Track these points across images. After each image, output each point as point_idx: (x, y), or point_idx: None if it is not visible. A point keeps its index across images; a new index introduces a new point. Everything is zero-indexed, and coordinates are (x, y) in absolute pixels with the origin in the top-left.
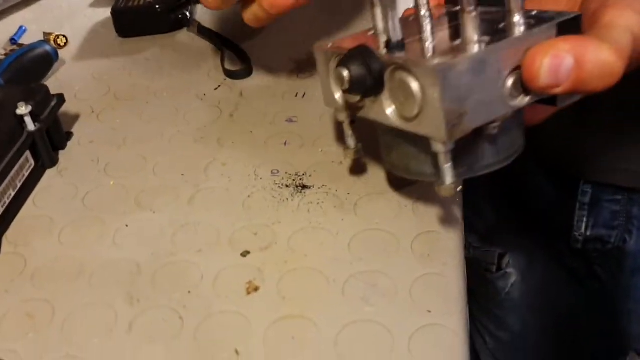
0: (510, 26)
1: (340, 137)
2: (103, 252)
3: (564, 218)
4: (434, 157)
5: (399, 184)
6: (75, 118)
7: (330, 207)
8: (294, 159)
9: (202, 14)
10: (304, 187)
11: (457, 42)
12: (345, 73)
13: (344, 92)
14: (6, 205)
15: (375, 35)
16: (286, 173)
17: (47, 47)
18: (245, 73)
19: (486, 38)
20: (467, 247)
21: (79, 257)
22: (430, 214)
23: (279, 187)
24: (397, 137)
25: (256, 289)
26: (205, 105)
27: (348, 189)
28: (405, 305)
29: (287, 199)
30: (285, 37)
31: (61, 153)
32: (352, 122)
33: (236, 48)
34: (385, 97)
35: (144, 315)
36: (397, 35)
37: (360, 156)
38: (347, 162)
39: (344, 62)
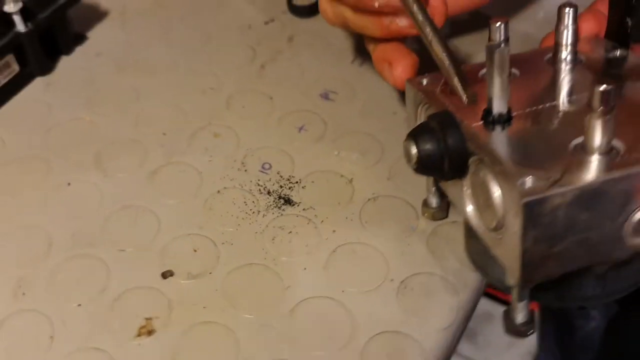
0: None
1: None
2: (26, 213)
3: None
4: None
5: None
6: (100, 16)
7: (301, 245)
8: (299, 156)
9: None
10: (288, 201)
11: (578, 141)
12: (413, 150)
13: (415, 170)
14: None
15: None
16: (278, 173)
17: None
18: (311, 11)
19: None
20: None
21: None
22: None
23: (259, 191)
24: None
25: (149, 333)
26: (241, 42)
27: (338, 224)
28: None
29: (258, 212)
30: None
31: (63, 59)
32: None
33: None
34: (466, 185)
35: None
36: (500, 106)
37: (441, 218)
38: (422, 223)
39: (413, 134)
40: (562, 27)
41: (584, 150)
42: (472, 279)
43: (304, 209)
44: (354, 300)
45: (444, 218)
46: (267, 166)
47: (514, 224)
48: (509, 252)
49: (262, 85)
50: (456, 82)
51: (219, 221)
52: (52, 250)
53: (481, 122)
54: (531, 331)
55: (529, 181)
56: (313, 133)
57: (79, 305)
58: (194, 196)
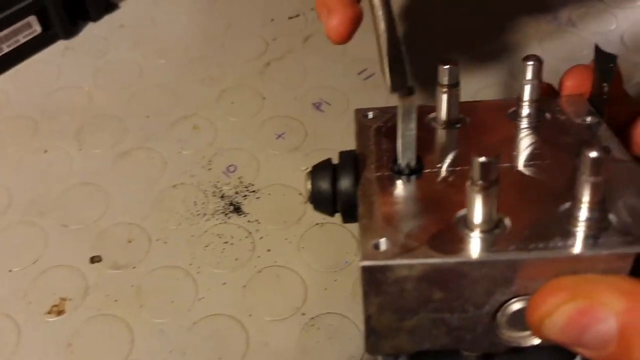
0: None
1: None
2: None
3: None
4: None
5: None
6: None
7: (231, 258)
8: (267, 164)
9: None
10: (237, 209)
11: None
12: (308, 185)
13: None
14: None
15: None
16: (239, 179)
17: None
18: None
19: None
20: None
21: None
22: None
23: (213, 193)
24: None
25: (59, 313)
26: (258, 35)
27: (274, 244)
28: None
29: (204, 215)
30: None
31: (89, 26)
32: None
33: None
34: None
35: None
36: (406, 157)
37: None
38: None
39: (312, 169)
40: (523, 82)
41: (465, 223)
42: None
43: (248, 221)
44: (258, 327)
45: None
46: (232, 169)
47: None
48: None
49: (260, 83)
50: (385, 63)
51: (162, 216)
52: (8, 211)
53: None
54: None
55: (382, 243)
56: (290, 143)
57: (10, 271)
58: (150, 186)
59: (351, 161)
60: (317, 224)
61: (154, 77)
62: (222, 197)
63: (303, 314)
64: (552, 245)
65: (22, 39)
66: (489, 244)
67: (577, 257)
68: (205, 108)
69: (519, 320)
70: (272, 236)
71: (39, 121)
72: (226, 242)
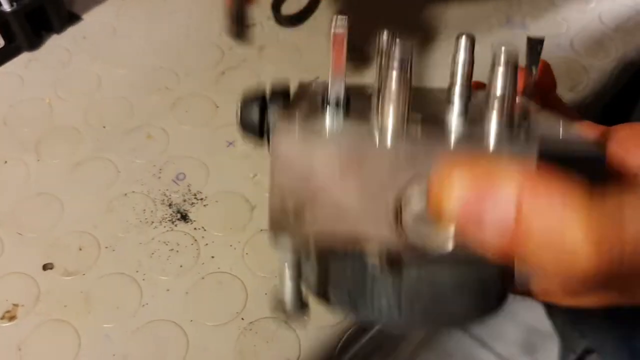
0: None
1: None
2: None
3: None
4: None
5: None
6: (100, 0)
7: (175, 265)
8: (215, 172)
9: None
10: (184, 217)
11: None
12: (238, 110)
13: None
14: None
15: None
16: (188, 186)
17: None
18: (292, 21)
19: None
20: (557, 314)
21: None
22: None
23: (162, 201)
24: None
25: (11, 319)
26: (214, 44)
27: (219, 251)
28: None
29: (152, 223)
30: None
31: (53, 38)
32: None
33: None
34: None
35: None
36: (339, 89)
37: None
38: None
39: (242, 99)
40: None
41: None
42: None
43: (195, 228)
44: (198, 332)
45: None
46: (181, 177)
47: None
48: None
49: (215, 92)
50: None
51: (112, 224)
52: None
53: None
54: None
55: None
56: (240, 151)
57: None
58: (102, 195)
59: (281, 91)
60: (262, 230)
61: (112, 87)
62: (170, 205)
63: (242, 319)
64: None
65: None
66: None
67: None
68: (160, 117)
69: (422, 217)
70: (217, 243)
71: (1, 133)
72: (172, 250)
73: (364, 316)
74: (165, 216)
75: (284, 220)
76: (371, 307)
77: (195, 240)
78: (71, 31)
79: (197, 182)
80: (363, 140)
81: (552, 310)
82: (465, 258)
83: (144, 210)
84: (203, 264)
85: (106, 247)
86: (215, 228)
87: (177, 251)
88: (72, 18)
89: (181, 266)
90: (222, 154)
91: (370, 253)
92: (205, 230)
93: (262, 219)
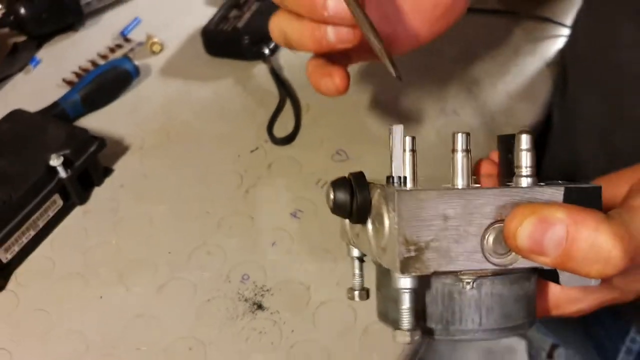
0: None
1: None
2: (66, 319)
3: (611, 353)
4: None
5: None
6: (124, 150)
7: (267, 343)
8: (270, 267)
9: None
10: (260, 307)
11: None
12: (331, 195)
13: (331, 210)
14: (23, 244)
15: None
16: (254, 283)
17: (128, 66)
18: (287, 141)
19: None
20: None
21: (46, 318)
22: None
23: (239, 298)
24: (383, 278)
25: None
26: (232, 170)
27: (295, 325)
28: None
29: (238, 317)
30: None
31: (96, 190)
32: (361, 261)
33: (295, 104)
34: (369, 225)
35: None
36: (399, 171)
37: (362, 298)
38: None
39: (333, 184)
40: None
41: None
42: None
43: (271, 313)
44: None
45: (366, 299)
46: (246, 277)
47: (393, 216)
48: (391, 247)
49: (246, 207)
50: (387, 61)
51: (207, 325)
52: (88, 351)
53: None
54: (417, 337)
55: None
56: (283, 247)
57: None
58: (189, 305)
59: (363, 177)
60: (321, 303)
61: (161, 220)
62: (245, 300)
63: None
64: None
65: (51, 213)
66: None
67: (525, 192)
68: (211, 236)
69: (501, 244)
70: (292, 319)
71: (85, 275)
72: (260, 332)
73: (453, 331)
74: (246, 309)
75: (410, 262)
76: (459, 322)
77: (275, 321)
78: (108, 182)
79: (259, 278)
80: (466, 193)
81: None
82: (517, 277)
83: (227, 308)
84: (287, 337)
85: (210, 344)
86: (286, 310)
87: (265, 333)
88: (107, 171)
89: (272, 343)
90: (270, 253)
91: (463, 279)
92: (279, 312)
93: (320, 293)
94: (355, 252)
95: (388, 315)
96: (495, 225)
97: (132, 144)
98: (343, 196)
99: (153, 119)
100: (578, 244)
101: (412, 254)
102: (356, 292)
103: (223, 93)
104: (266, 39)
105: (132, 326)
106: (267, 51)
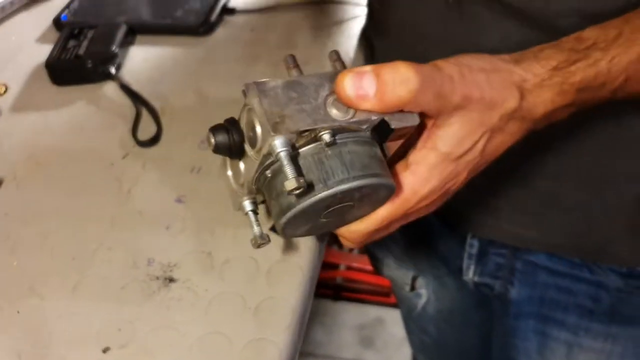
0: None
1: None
2: None
3: (458, 262)
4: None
5: None
6: None
7: (187, 305)
8: (170, 246)
9: (133, 67)
10: (172, 280)
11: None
12: (212, 140)
13: (213, 151)
14: None
15: None
16: (159, 263)
17: None
18: (152, 142)
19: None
20: (385, 266)
21: None
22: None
23: (150, 278)
24: (268, 190)
25: None
26: (109, 176)
27: (207, 285)
28: None
29: (154, 292)
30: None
31: None
32: (255, 213)
33: (152, 111)
34: (248, 152)
35: None
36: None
37: (265, 241)
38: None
39: (211, 130)
40: None
41: None
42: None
43: (183, 282)
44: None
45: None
46: (151, 260)
47: (255, 104)
48: (262, 127)
49: (133, 204)
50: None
51: (128, 307)
52: (22, 358)
53: None
54: (299, 190)
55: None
56: (176, 228)
57: None
58: (106, 295)
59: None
60: (224, 262)
61: (57, 234)
62: (157, 278)
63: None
64: None
65: None
66: None
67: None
68: (107, 236)
69: (339, 105)
70: (202, 281)
71: None
72: (179, 300)
73: (331, 184)
74: (160, 285)
75: (278, 126)
76: (333, 176)
77: (189, 287)
78: None
79: (164, 258)
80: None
81: (380, 264)
82: (364, 141)
83: (142, 289)
84: (203, 297)
85: (137, 320)
86: (195, 275)
87: (183, 298)
88: None
89: (192, 304)
90: (166, 236)
91: (323, 139)
92: (190, 280)
93: (220, 256)
94: (248, 206)
95: (282, 207)
96: (333, 94)
97: (5, 177)
98: (222, 137)
99: (19, 151)
100: (384, 76)
101: (277, 119)
102: (258, 239)
103: (79, 115)
104: (110, 58)
105: (57, 326)
106: (112, 70)
